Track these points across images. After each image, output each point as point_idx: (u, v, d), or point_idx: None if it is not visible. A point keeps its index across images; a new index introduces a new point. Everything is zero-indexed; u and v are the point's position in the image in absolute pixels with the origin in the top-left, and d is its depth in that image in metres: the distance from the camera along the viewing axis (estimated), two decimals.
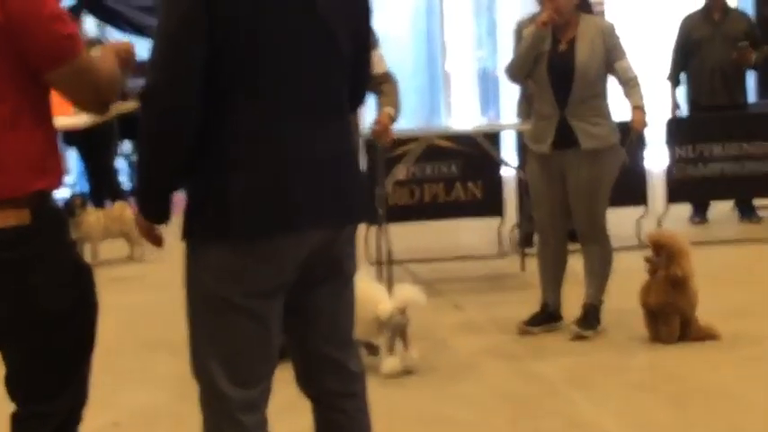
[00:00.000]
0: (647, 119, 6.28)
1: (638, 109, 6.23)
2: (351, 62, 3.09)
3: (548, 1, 6.12)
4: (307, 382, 3.23)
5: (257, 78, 2.87)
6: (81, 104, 2.92)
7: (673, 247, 6.09)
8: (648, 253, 6.16)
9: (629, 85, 6.22)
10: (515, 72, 6.35)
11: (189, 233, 2.94)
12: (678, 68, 10.18)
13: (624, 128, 6.34)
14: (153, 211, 2.99)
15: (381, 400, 4.66)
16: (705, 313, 6.18)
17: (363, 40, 3.16)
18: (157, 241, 3.07)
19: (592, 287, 6.35)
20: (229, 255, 2.88)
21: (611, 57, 6.17)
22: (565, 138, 6.16)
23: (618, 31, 6.28)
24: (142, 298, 7.96)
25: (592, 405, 5.11)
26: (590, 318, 6.31)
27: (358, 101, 3.26)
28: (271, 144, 2.89)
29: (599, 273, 6.33)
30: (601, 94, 6.24)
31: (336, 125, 3.04)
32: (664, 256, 6.08)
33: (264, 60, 2.87)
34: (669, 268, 6.04)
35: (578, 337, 6.22)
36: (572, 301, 6.43)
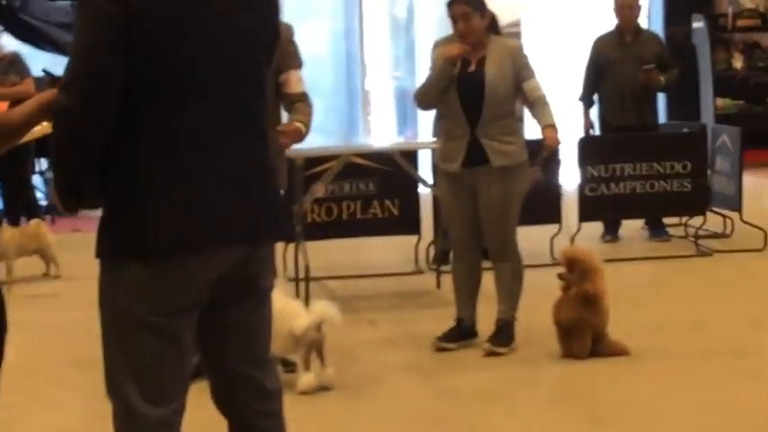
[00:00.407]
0: (559, 137, 6.36)
1: (550, 127, 6.29)
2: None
3: (460, 33, 6.20)
4: (223, 401, 3.24)
5: (173, 100, 2.93)
6: None
7: (586, 264, 6.19)
8: (562, 270, 6.26)
9: (538, 104, 6.29)
10: (424, 102, 6.47)
11: (103, 252, 2.98)
12: (590, 89, 10.34)
13: (536, 147, 6.44)
14: (67, 204, 3.04)
15: (296, 416, 4.68)
16: (616, 329, 6.28)
17: (272, 59, 3.21)
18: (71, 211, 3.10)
19: (504, 304, 6.42)
20: (143, 274, 2.92)
21: (519, 77, 6.25)
22: (476, 156, 6.23)
23: (526, 52, 6.38)
24: (57, 316, 7.86)
25: (505, 420, 5.18)
26: (503, 334, 6.38)
27: None
28: (186, 165, 2.94)
29: (511, 289, 6.41)
30: (511, 113, 6.33)
31: (253, 145, 3.09)
32: (577, 272, 6.17)
33: (181, 82, 2.93)
34: (582, 285, 6.14)
35: (492, 354, 6.29)
36: (485, 319, 6.50)
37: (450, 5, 6.31)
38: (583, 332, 6.13)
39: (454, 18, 6.24)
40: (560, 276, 6.23)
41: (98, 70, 2.86)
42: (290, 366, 5.79)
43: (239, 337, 3.16)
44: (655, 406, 5.30)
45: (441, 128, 6.50)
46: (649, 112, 10.16)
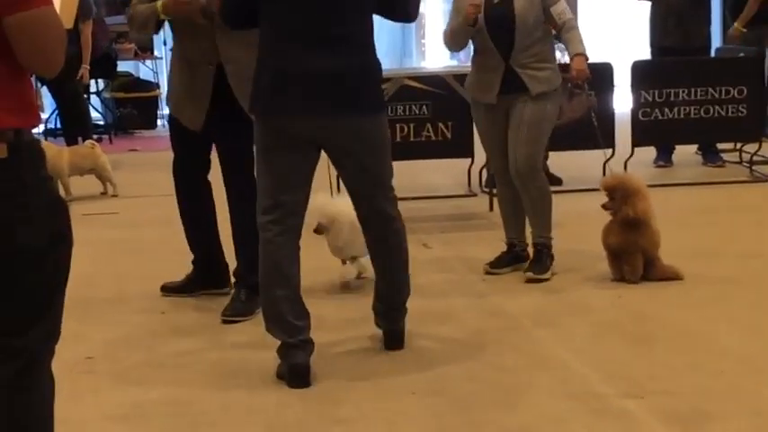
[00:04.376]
0: (587, 69, 6.22)
1: (580, 56, 6.20)
2: None
3: None
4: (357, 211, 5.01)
5: (276, 9, 4.58)
6: (26, 61, 2.75)
7: (625, 188, 6.15)
8: (605, 199, 6.24)
9: (565, 28, 6.20)
10: (452, 47, 6.50)
11: (249, 108, 4.79)
12: None
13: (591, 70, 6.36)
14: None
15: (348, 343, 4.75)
16: (668, 254, 6.29)
17: None
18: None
19: (537, 227, 6.38)
20: (257, 125, 4.70)
21: (544, 2, 6.17)
22: (512, 85, 6.18)
23: None
24: (114, 234, 7.98)
25: (556, 343, 5.21)
26: (543, 258, 6.37)
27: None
28: (280, 56, 4.57)
29: (541, 211, 6.35)
30: (542, 39, 6.25)
31: (340, 48, 4.57)
32: (618, 197, 6.15)
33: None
34: (624, 209, 6.13)
35: (534, 281, 6.28)
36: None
37: None
38: (633, 255, 6.14)
39: None
40: (604, 207, 6.21)
41: None
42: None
43: (355, 174, 4.84)
44: (704, 330, 5.31)
45: (475, 60, 6.43)
46: (696, 34, 10.05)
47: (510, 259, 6.54)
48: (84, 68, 11.33)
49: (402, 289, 5.13)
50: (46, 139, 9.60)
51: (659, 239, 6.21)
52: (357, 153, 4.75)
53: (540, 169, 6.35)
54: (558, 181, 9.25)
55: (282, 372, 4.73)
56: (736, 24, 10.67)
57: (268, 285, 4.68)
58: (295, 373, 4.66)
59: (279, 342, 4.69)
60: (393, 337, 5.15)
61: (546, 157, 9.20)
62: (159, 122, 15.16)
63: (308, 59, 4.54)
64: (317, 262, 6.76)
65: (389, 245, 5.03)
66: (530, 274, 6.33)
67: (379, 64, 4.80)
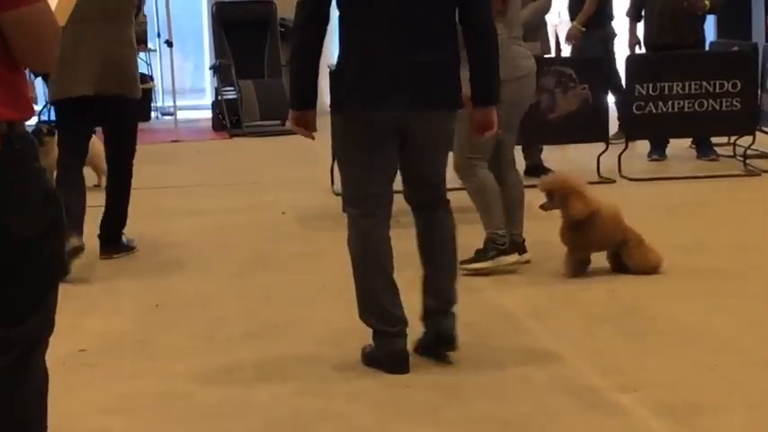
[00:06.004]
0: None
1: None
2: None
3: None
4: (409, 197, 4.98)
5: (366, 4, 4.58)
6: (21, 56, 2.77)
7: (563, 190, 6.12)
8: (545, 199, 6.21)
9: None
10: None
11: (330, 107, 4.76)
12: (637, 4, 10.35)
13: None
14: (301, 97, 4.78)
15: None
16: (663, 247, 6.28)
17: None
18: (309, 130, 4.79)
19: (483, 221, 6.34)
20: (344, 121, 4.70)
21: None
22: None
23: None
24: None
25: (550, 336, 5.22)
26: (486, 250, 6.29)
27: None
28: (371, 52, 4.59)
29: (478, 206, 6.31)
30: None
31: (428, 42, 4.59)
32: (557, 199, 6.12)
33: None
34: (565, 211, 6.12)
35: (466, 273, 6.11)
36: (533, 236, 6.51)
37: None
38: (571, 253, 6.16)
39: None
40: (542, 207, 6.19)
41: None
42: None
43: (417, 165, 4.83)
44: (697, 323, 5.32)
45: None
46: (689, 32, 10.06)
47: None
48: None
49: (452, 283, 4.95)
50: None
51: (618, 230, 6.17)
52: (439, 147, 4.86)
53: (466, 174, 6.22)
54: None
55: (377, 358, 4.76)
56: (574, 23, 10.70)
57: (365, 277, 4.75)
58: (395, 360, 4.71)
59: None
60: (443, 339, 4.86)
61: (540, 150, 9.20)
62: (153, 115, 15.12)
63: (408, 51, 4.56)
64: (308, 248, 6.77)
65: (449, 234, 5.02)
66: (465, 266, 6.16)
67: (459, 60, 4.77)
